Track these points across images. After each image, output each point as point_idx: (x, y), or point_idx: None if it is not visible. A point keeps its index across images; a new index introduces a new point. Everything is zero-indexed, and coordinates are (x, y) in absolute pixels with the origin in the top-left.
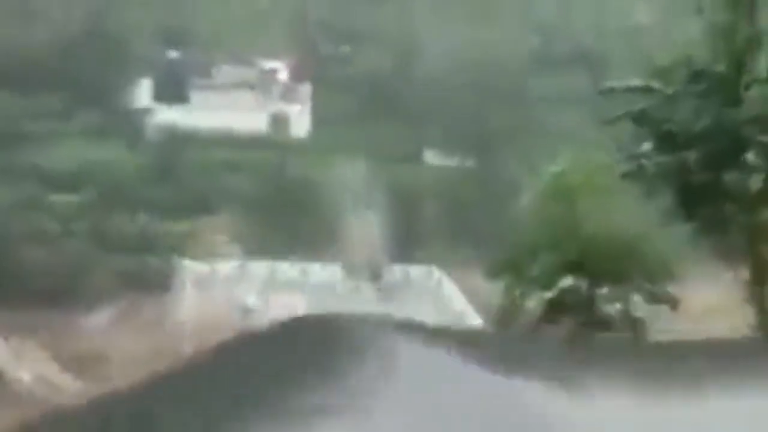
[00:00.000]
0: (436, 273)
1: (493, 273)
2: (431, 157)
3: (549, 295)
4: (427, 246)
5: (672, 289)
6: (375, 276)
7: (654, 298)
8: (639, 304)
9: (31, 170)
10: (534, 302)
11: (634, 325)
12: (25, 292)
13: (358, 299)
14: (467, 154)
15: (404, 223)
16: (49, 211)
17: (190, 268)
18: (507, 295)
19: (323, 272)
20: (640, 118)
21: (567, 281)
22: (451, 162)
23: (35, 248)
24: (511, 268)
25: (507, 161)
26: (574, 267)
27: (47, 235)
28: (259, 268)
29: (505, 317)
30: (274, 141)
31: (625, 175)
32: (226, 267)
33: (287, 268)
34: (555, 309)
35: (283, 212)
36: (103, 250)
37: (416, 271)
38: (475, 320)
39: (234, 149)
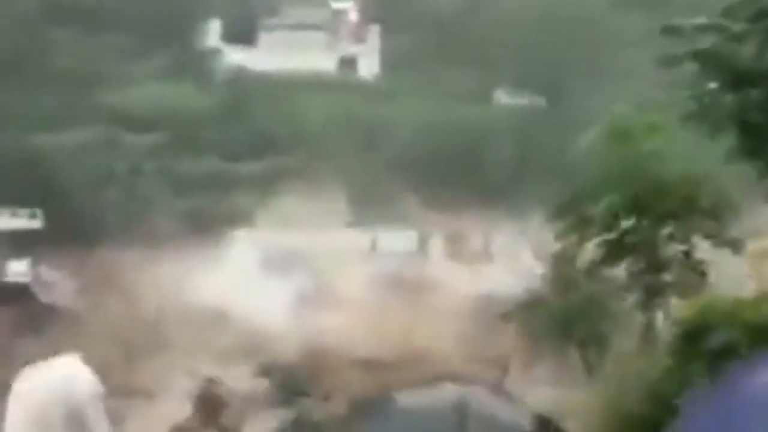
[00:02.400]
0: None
1: (554, 215)
2: (501, 97)
3: (610, 236)
4: (497, 186)
5: (735, 231)
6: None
7: (717, 241)
8: (701, 247)
9: (105, 111)
10: (595, 244)
11: (696, 267)
12: (97, 232)
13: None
14: (537, 93)
15: (475, 163)
16: (122, 151)
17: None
18: (567, 237)
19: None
20: (703, 57)
21: (628, 222)
22: (522, 101)
23: (108, 188)
24: (571, 209)
25: (577, 101)
26: (636, 208)
27: (120, 175)
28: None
29: (565, 261)
30: (342, 82)
31: (688, 115)
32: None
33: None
34: (616, 251)
35: (352, 152)
36: (173, 191)
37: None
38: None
39: (303, 90)
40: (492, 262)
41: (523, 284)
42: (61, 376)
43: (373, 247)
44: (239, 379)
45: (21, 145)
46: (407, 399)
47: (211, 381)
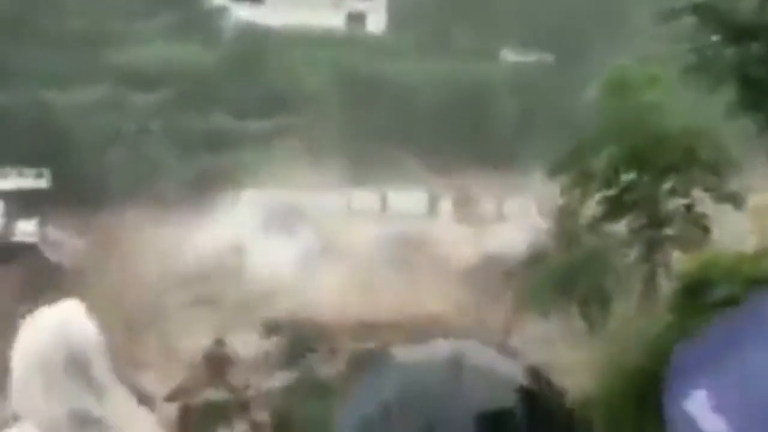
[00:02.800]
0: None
1: (555, 169)
2: (508, 54)
3: (611, 192)
4: (503, 144)
5: (735, 186)
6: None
7: (717, 195)
8: (702, 202)
9: (113, 70)
10: (596, 199)
11: (697, 222)
12: (104, 191)
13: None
14: (545, 50)
15: (481, 120)
16: (128, 110)
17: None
18: (569, 192)
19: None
20: (702, 11)
21: (630, 176)
22: (529, 58)
23: (115, 147)
24: (573, 163)
25: (586, 57)
26: (636, 161)
27: (127, 134)
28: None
29: (567, 216)
30: (350, 38)
31: (688, 68)
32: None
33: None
34: (617, 206)
35: (359, 110)
36: (180, 149)
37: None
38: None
39: (310, 47)
40: (502, 223)
41: (528, 242)
42: (61, 320)
43: (383, 207)
44: (246, 339)
45: (28, 103)
46: (404, 353)
47: (218, 341)
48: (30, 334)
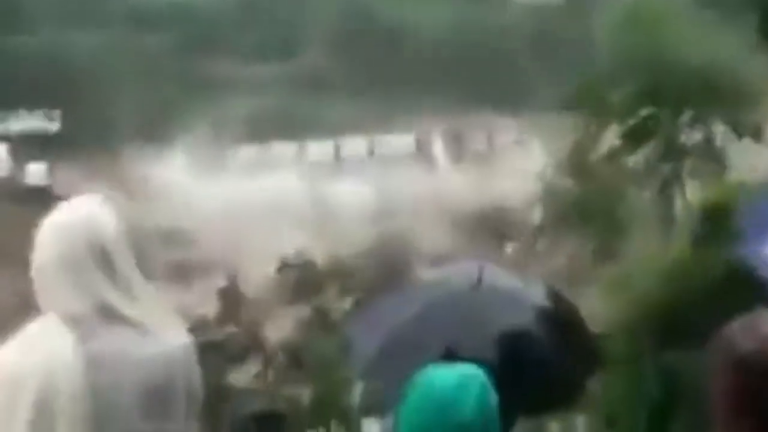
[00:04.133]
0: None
1: (569, 104)
2: None
3: (628, 123)
4: (515, 86)
5: (754, 118)
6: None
7: (736, 128)
8: (720, 134)
9: (123, 11)
10: (612, 133)
11: (715, 154)
12: (112, 134)
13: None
14: None
15: (493, 63)
16: (137, 52)
17: None
18: (584, 126)
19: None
20: None
21: (646, 109)
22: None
23: (123, 90)
24: (588, 98)
25: None
26: (654, 93)
27: (134, 76)
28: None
29: (581, 151)
30: None
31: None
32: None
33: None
34: (634, 139)
35: (371, 53)
36: (189, 92)
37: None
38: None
39: None
40: (514, 161)
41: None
42: (84, 212)
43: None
44: (259, 276)
45: (40, 46)
46: (425, 275)
47: (231, 277)
48: (53, 226)
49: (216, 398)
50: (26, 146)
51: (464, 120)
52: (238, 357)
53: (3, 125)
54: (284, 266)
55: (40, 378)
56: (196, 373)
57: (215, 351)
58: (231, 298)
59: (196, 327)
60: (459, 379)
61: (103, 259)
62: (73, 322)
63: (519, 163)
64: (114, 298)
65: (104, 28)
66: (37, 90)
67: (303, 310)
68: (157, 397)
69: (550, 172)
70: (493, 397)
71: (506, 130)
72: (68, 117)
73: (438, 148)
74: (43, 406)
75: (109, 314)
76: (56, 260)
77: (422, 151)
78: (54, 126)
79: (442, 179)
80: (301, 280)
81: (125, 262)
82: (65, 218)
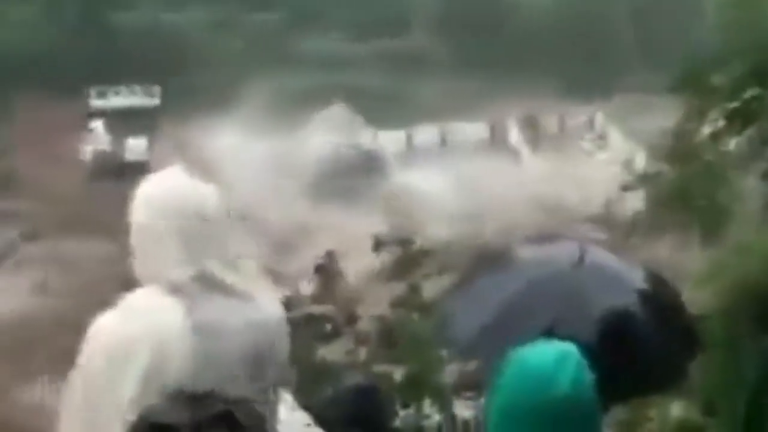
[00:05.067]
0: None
1: (674, 87)
2: None
3: (733, 105)
4: (618, 69)
5: None
6: None
7: None
8: None
9: None
10: (716, 114)
11: None
12: (213, 111)
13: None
14: None
15: (597, 42)
16: (243, 30)
17: None
18: (688, 108)
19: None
20: None
21: (753, 90)
22: None
23: (226, 67)
24: (693, 80)
25: None
26: (762, 76)
27: (239, 54)
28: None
29: (683, 134)
30: None
31: None
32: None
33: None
34: (740, 120)
35: (475, 33)
36: (291, 70)
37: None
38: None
39: None
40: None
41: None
42: (182, 182)
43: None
44: (356, 253)
45: (145, 23)
46: (527, 253)
47: (329, 253)
48: (152, 197)
49: (311, 372)
50: (126, 121)
51: (540, 104)
52: (332, 333)
53: (102, 101)
54: (380, 244)
55: (151, 346)
56: (286, 342)
57: (310, 326)
58: (328, 274)
59: (293, 301)
60: (555, 356)
61: (204, 228)
62: (176, 291)
63: (598, 148)
64: (214, 266)
65: (209, 6)
66: (138, 65)
67: (398, 288)
68: (256, 363)
69: (642, 156)
70: (589, 375)
71: (582, 114)
72: (169, 93)
73: (514, 134)
74: (153, 375)
75: (210, 282)
76: (160, 230)
77: (496, 137)
78: (154, 101)
79: (524, 167)
80: (398, 258)
81: (224, 232)
82: (164, 189)
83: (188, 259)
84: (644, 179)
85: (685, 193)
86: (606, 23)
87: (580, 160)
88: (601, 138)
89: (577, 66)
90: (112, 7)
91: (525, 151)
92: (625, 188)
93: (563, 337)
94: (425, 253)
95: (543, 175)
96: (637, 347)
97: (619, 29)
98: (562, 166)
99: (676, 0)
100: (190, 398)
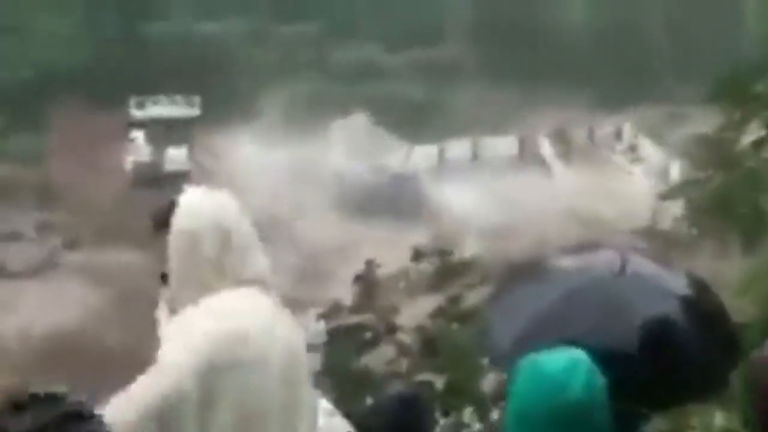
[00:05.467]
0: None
1: (712, 96)
2: None
3: None
4: (654, 76)
5: None
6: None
7: None
8: None
9: (263, 1)
10: (756, 123)
11: None
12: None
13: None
14: None
15: (630, 54)
16: (278, 41)
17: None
18: (726, 117)
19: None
20: None
21: None
22: None
23: (262, 77)
24: (732, 88)
25: None
26: None
27: (274, 64)
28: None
29: (721, 143)
30: None
31: None
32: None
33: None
34: None
35: (509, 44)
36: (329, 80)
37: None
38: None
39: None
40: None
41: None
42: (212, 199)
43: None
44: (397, 263)
45: (182, 34)
46: (567, 261)
47: (369, 263)
48: (199, 209)
49: (352, 381)
50: (166, 131)
51: (572, 115)
52: (372, 343)
53: (142, 111)
54: (419, 255)
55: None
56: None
57: (350, 336)
58: (367, 284)
59: (332, 312)
60: (566, 363)
61: (239, 240)
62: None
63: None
64: (262, 271)
65: (246, 16)
66: (175, 75)
67: (437, 299)
68: (292, 367)
69: (677, 166)
70: (600, 380)
71: (610, 124)
72: (208, 103)
73: (545, 148)
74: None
75: (256, 286)
76: (201, 237)
77: (527, 151)
78: (195, 111)
79: (557, 181)
80: (437, 269)
81: (253, 242)
82: (208, 199)
83: (225, 268)
84: (684, 187)
85: (727, 200)
86: (640, 35)
87: (612, 173)
88: (632, 149)
89: (611, 77)
90: (148, 18)
91: (557, 164)
92: (664, 197)
93: (601, 346)
94: (464, 265)
95: (576, 189)
96: (677, 355)
97: (653, 41)
98: (595, 179)
99: (711, 12)
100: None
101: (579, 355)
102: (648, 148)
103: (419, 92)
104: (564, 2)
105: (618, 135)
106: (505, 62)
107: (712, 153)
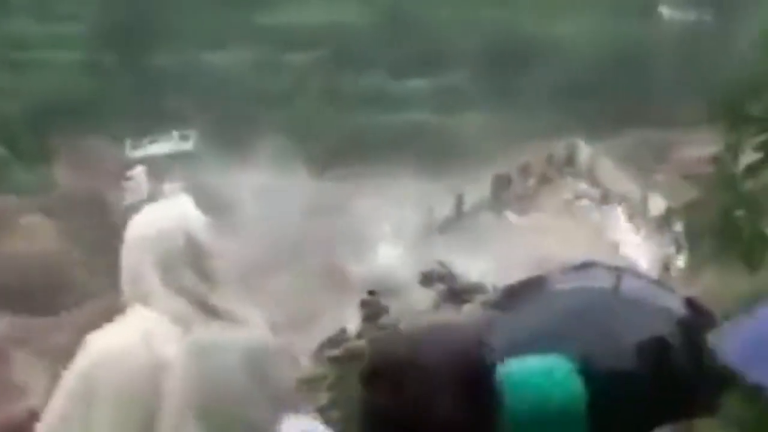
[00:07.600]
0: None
1: (714, 115)
2: (665, 11)
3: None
4: (662, 103)
5: None
6: None
7: None
8: None
9: (267, 29)
10: (752, 145)
11: None
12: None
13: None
14: (703, 7)
15: (637, 79)
16: (283, 70)
17: None
18: (725, 139)
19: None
20: None
21: None
22: (687, 16)
23: (267, 108)
24: (729, 110)
25: (747, 16)
26: None
27: (279, 94)
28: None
29: (721, 164)
30: None
31: None
32: None
33: None
34: None
35: (514, 70)
36: (335, 109)
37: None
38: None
39: (467, 4)
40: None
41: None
42: (179, 210)
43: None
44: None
45: (184, 65)
46: (560, 281)
47: (372, 291)
48: (146, 222)
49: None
50: (164, 167)
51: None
52: None
53: (139, 151)
54: (426, 278)
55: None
56: (274, 367)
57: (354, 362)
58: (373, 309)
59: (337, 338)
60: (545, 369)
61: (196, 256)
62: (175, 317)
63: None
64: (206, 295)
65: (250, 46)
66: (179, 106)
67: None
68: (256, 384)
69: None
70: (580, 387)
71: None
72: (208, 135)
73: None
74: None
75: (204, 309)
76: (153, 254)
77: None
78: (188, 146)
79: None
80: (444, 292)
81: (213, 263)
82: (163, 215)
83: (181, 285)
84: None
85: (726, 222)
86: (643, 64)
87: (564, 206)
88: (590, 172)
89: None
90: (152, 49)
91: (515, 207)
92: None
93: (596, 366)
94: (472, 289)
95: (531, 228)
96: (672, 376)
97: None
98: (545, 218)
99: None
100: None
101: (558, 361)
102: (611, 174)
103: (425, 119)
104: (569, 23)
105: (570, 159)
106: (506, 89)
107: (711, 174)
